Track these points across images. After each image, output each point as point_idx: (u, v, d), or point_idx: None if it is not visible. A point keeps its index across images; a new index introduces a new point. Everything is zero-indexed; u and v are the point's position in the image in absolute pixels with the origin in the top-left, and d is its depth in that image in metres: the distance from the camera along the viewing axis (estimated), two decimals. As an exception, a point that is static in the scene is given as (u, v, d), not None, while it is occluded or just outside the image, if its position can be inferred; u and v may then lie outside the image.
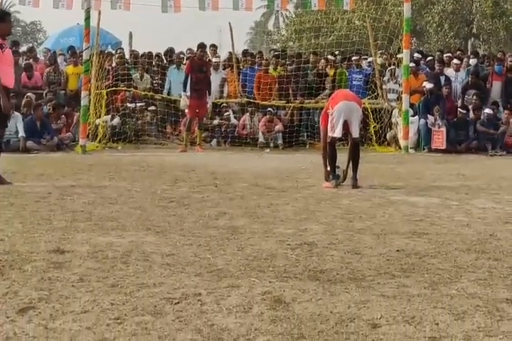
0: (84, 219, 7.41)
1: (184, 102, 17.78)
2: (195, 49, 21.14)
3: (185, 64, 20.64)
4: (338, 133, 10.59)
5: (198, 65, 17.57)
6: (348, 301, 4.61)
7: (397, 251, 6.14)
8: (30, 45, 43.30)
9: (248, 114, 19.44)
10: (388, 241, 6.58)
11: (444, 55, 21.68)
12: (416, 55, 21.05)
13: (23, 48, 27.00)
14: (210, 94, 17.94)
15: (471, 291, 4.88)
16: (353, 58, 20.39)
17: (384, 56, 21.09)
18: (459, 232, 7.08)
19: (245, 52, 22.13)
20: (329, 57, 20.53)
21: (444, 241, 6.57)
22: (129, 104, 19.33)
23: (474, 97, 18.81)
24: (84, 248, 6.01)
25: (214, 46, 21.72)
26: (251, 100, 19.75)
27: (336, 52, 21.29)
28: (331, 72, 20.07)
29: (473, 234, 6.95)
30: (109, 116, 18.71)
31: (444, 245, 6.42)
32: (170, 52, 21.36)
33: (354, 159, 10.73)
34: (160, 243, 6.31)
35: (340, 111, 10.53)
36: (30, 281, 4.92)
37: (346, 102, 10.61)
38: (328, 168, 10.82)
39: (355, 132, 10.75)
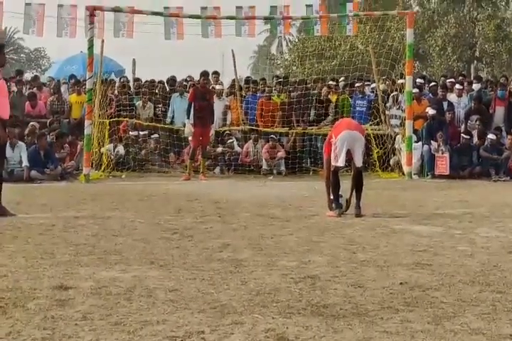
0: (87, 253, 7.41)
1: (189, 130, 17.83)
2: (196, 76, 21.32)
3: (188, 92, 20.79)
4: (341, 162, 10.61)
5: (201, 93, 17.65)
6: (351, 338, 4.60)
7: (401, 283, 6.13)
8: (35, 74, 43.47)
9: (251, 141, 19.48)
10: (391, 273, 6.57)
11: (447, 81, 21.75)
12: (418, 80, 21.14)
13: (27, 76, 27.22)
14: (213, 122, 18.02)
15: (475, 326, 4.86)
16: (356, 85, 20.46)
17: (387, 82, 21.19)
18: (462, 263, 7.07)
19: (247, 80, 22.18)
20: (331, 82, 20.57)
21: (447, 273, 6.56)
22: (131, 133, 19.39)
23: (477, 123, 18.85)
24: (88, 283, 6.01)
25: (216, 73, 21.82)
26: (254, 127, 19.80)
27: (340, 79, 21.35)
28: (333, 98, 20.14)
29: (477, 265, 6.94)
30: (112, 144, 18.77)
31: (448, 277, 6.41)
32: (172, 80, 21.47)
33: (357, 188, 10.78)
34: (163, 277, 6.30)
35: (343, 140, 10.58)
36: (33, 320, 4.91)
37: (349, 131, 10.67)
38: (332, 197, 10.83)
39: (359, 161, 10.79)
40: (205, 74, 18.31)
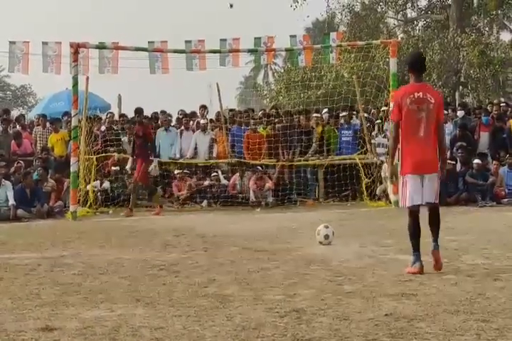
0: (73, 292, 7.40)
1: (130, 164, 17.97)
2: (187, 110, 21.52)
3: (173, 126, 20.87)
4: (416, 200, 8.58)
5: (136, 130, 17.67)
6: (336, 372, 4.61)
7: (386, 315, 6.15)
8: (21, 112, 43.48)
9: (238, 174, 19.50)
10: (377, 304, 6.59)
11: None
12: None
13: (14, 114, 27.22)
14: (148, 157, 17.81)
15: (459, 357, 4.89)
16: (341, 114, 20.52)
17: (372, 111, 21.30)
18: (447, 292, 7.10)
19: (233, 114, 22.11)
20: (315, 115, 20.62)
21: (432, 303, 6.59)
22: (113, 168, 19.36)
23: (459, 151, 18.89)
24: (73, 324, 6.01)
25: (204, 107, 21.88)
26: (241, 160, 19.84)
27: (323, 110, 21.42)
28: (318, 129, 20.19)
29: (462, 294, 6.98)
30: (98, 181, 18.77)
31: (433, 307, 6.44)
32: (155, 115, 21.51)
33: (433, 226, 8.90)
34: (149, 315, 6.31)
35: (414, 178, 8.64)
36: (17, 363, 4.92)
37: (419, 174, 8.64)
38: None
39: (430, 196, 8.64)
40: (138, 111, 18.25)
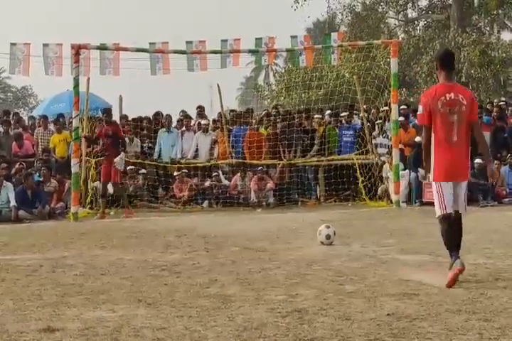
0: (75, 293, 7.40)
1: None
2: (188, 110, 21.54)
3: (174, 127, 20.85)
4: (451, 207, 8.11)
5: (105, 130, 17.62)
6: (338, 372, 4.61)
7: (388, 314, 6.15)
8: (20, 114, 43.35)
9: (239, 174, 19.51)
10: (379, 304, 6.58)
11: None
12: (402, 107, 21.14)
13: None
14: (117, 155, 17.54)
15: (461, 356, 4.89)
16: (342, 114, 20.53)
17: (372, 110, 21.31)
18: (449, 292, 7.09)
19: (234, 115, 22.09)
20: (316, 116, 20.62)
21: (434, 302, 6.58)
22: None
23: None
24: (75, 325, 6.01)
25: (200, 107, 21.92)
26: (241, 160, 19.85)
27: (327, 112, 21.42)
28: (320, 129, 20.21)
29: (464, 293, 6.97)
30: (98, 182, 18.76)
31: (435, 306, 6.43)
32: (157, 115, 21.47)
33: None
34: (151, 316, 6.31)
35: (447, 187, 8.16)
36: (19, 364, 4.92)
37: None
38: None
39: (461, 206, 8.27)
40: (106, 111, 18.19)
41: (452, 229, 8.11)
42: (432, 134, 8.00)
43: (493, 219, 14.70)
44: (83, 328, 5.88)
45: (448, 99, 7.89)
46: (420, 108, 8.06)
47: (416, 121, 20.49)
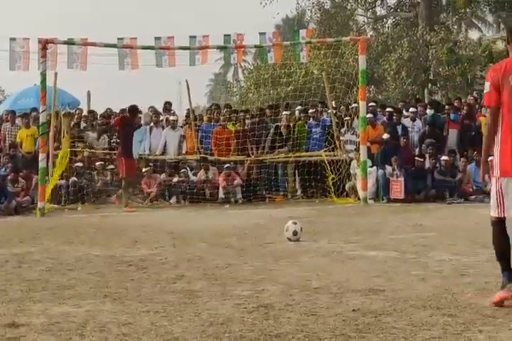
0: (40, 289, 7.36)
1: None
2: (156, 106, 21.52)
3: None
4: (508, 211, 6.53)
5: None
6: (303, 367, 4.62)
7: (353, 310, 6.17)
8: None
9: (202, 169, 19.49)
10: (345, 300, 6.60)
11: (400, 104, 22.10)
12: (371, 103, 21.22)
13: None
14: None
15: (425, 351, 4.92)
16: (310, 111, 20.55)
17: (341, 107, 21.36)
18: (415, 287, 7.13)
19: (200, 113, 22.18)
20: (285, 112, 20.62)
21: (400, 298, 6.62)
22: (79, 164, 19.27)
23: (429, 148, 19.01)
24: (40, 320, 5.97)
25: (168, 103, 21.92)
26: (208, 156, 19.82)
27: (298, 107, 21.43)
28: (288, 125, 20.21)
29: (429, 289, 7.01)
30: (65, 177, 18.68)
31: (400, 302, 6.46)
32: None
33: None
34: (117, 311, 6.28)
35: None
36: (-17, 359, 4.88)
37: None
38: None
39: None
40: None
41: (504, 237, 6.57)
42: (502, 119, 6.53)
43: (460, 216, 14.80)
44: (48, 323, 5.84)
45: None
46: (487, 85, 6.58)
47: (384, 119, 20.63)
